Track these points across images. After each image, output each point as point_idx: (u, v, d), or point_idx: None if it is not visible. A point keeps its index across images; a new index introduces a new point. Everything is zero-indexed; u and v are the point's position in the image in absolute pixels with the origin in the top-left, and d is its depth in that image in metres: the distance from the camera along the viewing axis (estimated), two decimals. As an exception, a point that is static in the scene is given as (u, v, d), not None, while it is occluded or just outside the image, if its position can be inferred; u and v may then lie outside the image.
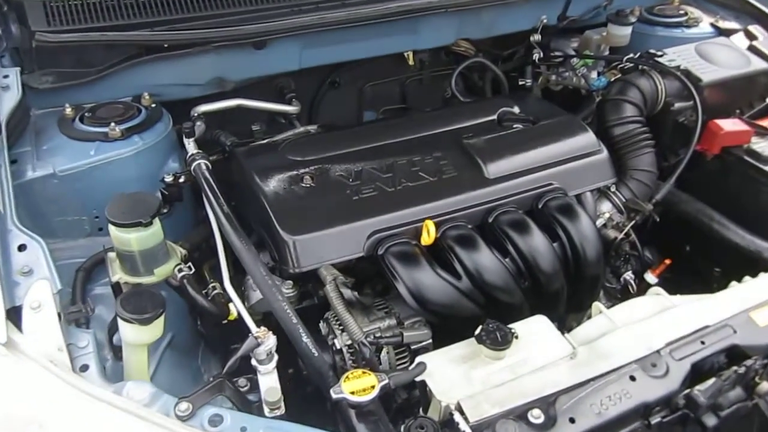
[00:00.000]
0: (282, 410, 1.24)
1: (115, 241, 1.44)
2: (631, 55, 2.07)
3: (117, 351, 1.34)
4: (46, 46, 1.68)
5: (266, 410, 1.23)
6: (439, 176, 1.69)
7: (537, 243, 1.59)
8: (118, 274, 1.48)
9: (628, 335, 1.41)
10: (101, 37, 1.70)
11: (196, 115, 1.89)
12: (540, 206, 1.68)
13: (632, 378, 1.28)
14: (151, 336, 1.28)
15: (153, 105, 1.80)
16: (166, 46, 1.76)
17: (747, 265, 1.73)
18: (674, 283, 2.11)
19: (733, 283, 1.62)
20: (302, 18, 1.83)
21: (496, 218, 1.63)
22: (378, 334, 1.51)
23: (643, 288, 1.96)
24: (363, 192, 1.62)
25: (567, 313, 1.75)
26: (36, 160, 1.59)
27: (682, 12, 2.39)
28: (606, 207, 1.89)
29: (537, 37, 2.29)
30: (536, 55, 2.28)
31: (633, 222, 1.86)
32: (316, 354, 1.32)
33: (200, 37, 1.77)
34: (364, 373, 1.25)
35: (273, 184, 1.63)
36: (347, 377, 1.24)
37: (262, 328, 1.27)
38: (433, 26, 2.07)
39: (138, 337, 1.27)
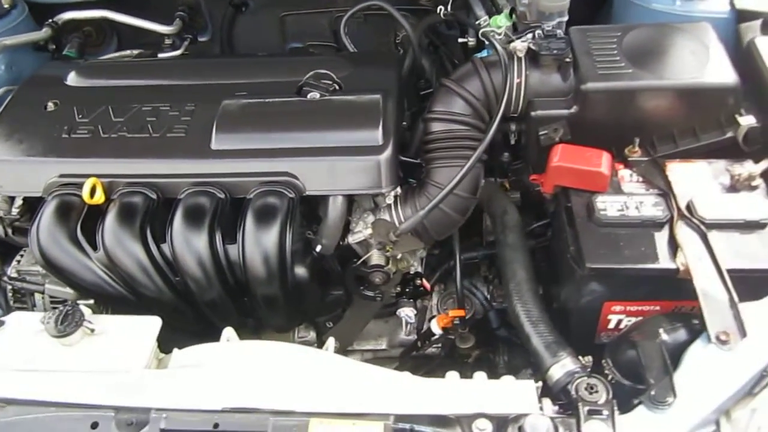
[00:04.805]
0: None
1: None
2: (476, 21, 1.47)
3: None
4: None
5: None
6: (163, 133, 1.49)
7: (194, 238, 1.34)
8: None
9: (184, 379, 1.18)
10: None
11: (51, 21, 1.93)
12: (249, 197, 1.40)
13: (94, 425, 1.08)
14: None
15: (7, 5, 1.88)
16: None
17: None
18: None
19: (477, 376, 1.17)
20: None
21: (184, 197, 1.41)
22: (22, 277, 1.49)
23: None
24: (77, 131, 1.51)
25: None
26: None
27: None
28: (384, 222, 1.47)
29: (459, -19, 1.75)
30: (441, 9, 1.74)
31: (372, 251, 1.42)
32: None
33: None
34: None
35: (21, 100, 1.61)
36: None
37: None
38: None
39: None
